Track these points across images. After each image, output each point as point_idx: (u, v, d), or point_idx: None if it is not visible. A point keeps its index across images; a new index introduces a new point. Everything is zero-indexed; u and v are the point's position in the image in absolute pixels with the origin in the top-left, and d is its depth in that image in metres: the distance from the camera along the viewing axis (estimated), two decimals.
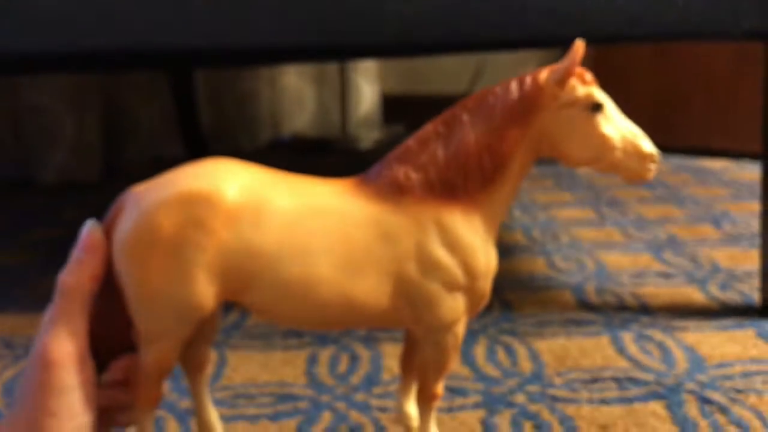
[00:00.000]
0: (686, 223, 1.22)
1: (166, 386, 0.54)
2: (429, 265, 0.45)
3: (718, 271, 0.98)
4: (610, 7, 0.72)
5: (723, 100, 1.80)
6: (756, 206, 1.31)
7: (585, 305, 0.87)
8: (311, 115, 2.23)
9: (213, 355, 0.54)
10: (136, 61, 1.09)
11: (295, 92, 2.18)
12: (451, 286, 0.46)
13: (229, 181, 0.43)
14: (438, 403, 0.50)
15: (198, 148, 1.87)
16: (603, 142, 0.44)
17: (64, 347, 0.43)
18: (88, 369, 0.45)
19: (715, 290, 0.90)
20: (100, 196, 1.55)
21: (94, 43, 0.74)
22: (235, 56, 1.03)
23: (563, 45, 0.46)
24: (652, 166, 0.45)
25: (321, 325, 0.48)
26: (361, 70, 2.08)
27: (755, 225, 1.18)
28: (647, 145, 0.44)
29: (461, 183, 0.45)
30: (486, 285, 0.47)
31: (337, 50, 1.07)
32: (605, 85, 0.46)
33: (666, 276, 0.96)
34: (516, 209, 1.36)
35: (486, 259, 0.46)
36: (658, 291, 0.91)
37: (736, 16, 0.73)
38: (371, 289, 0.45)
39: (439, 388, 0.50)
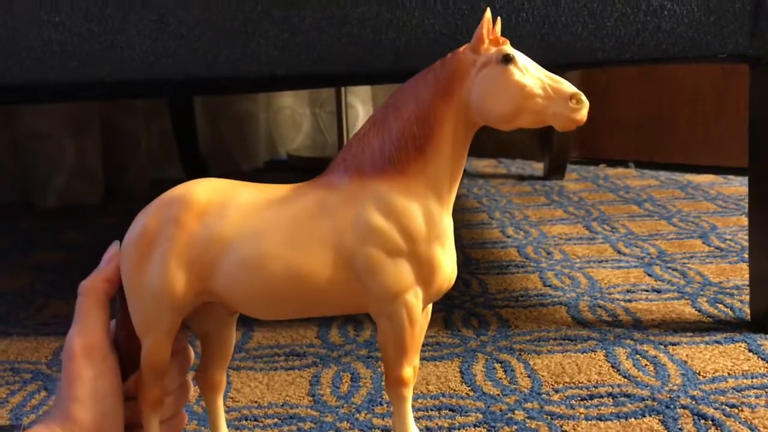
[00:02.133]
0: (675, 238, 1.25)
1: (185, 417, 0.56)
2: (366, 231, 0.47)
3: (708, 285, 1.00)
4: (599, 33, 0.75)
5: (707, 116, 1.83)
6: (742, 220, 1.33)
7: (579, 321, 0.89)
8: (307, 135, 2.25)
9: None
10: (138, 91, 1.11)
11: (291, 113, 2.20)
12: (391, 251, 0.47)
13: (202, 185, 0.49)
14: (409, 392, 0.50)
15: (197, 170, 1.89)
16: (519, 90, 0.45)
17: (85, 339, 0.50)
18: (110, 359, 0.50)
19: (705, 305, 0.93)
20: (101, 218, 1.56)
21: (99, 74, 0.76)
22: (236, 84, 1.05)
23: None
24: (579, 106, 0.45)
25: (277, 307, 0.49)
26: (354, 90, 2.11)
27: (742, 239, 1.21)
28: (569, 86, 0.45)
29: (395, 155, 0.47)
30: (431, 252, 0.48)
31: (335, 78, 1.10)
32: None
33: (657, 291, 0.99)
34: (508, 227, 1.38)
35: (427, 224, 0.47)
36: (650, 306, 0.93)
37: (722, 39, 0.76)
38: (316, 262, 0.47)
39: (405, 372, 0.49)
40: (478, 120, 0.47)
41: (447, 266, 0.49)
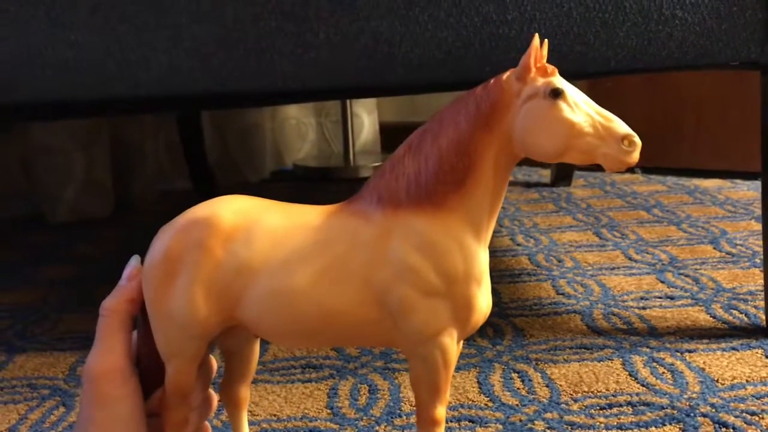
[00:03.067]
0: (686, 244, 1.25)
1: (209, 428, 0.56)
2: (401, 269, 0.44)
3: (722, 291, 1.00)
4: (611, 43, 0.75)
5: (712, 121, 1.84)
6: (752, 225, 1.34)
7: (594, 329, 0.89)
8: (313, 145, 2.26)
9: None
10: (152, 107, 1.12)
11: (297, 123, 2.21)
12: (426, 291, 0.45)
13: (226, 207, 0.47)
14: (442, 430, 0.48)
15: (204, 181, 1.89)
16: (568, 128, 0.42)
17: (105, 363, 0.48)
18: (131, 382, 0.49)
19: (720, 311, 0.93)
20: (111, 230, 1.57)
21: (114, 91, 0.76)
22: (246, 99, 1.06)
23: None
24: (632, 149, 0.42)
25: (307, 340, 0.48)
26: (360, 100, 2.12)
27: (753, 244, 1.21)
28: (622, 126, 0.43)
29: (432, 187, 0.45)
30: (468, 292, 0.45)
31: (348, 91, 1.10)
32: None
33: (670, 298, 0.99)
34: (518, 234, 1.38)
35: (464, 262, 0.45)
36: (665, 313, 0.93)
37: (734, 47, 0.76)
38: (348, 299, 0.45)
39: (438, 412, 0.47)
40: (521, 153, 0.45)
41: (483, 305, 0.47)
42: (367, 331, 0.46)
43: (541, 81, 0.43)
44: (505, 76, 0.45)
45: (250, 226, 0.46)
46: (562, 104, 0.43)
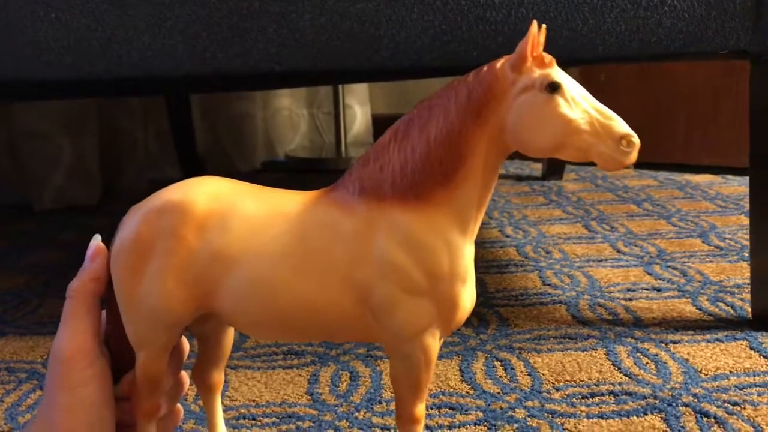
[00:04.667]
0: (675, 238, 1.24)
1: (181, 410, 0.55)
2: (384, 267, 0.43)
3: (709, 284, 0.99)
4: (600, 29, 0.74)
5: (704, 116, 1.83)
6: (741, 220, 1.33)
7: (579, 320, 0.89)
8: (304, 135, 2.25)
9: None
10: (135, 88, 1.11)
11: (289, 114, 2.20)
12: (411, 290, 0.43)
13: (200, 191, 0.45)
14: (421, 428, 0.47)
15: (194, 170, 1.88)
16: (565, 124, 0.40)
17: (71, 344, 0.46)
18: (99, 364, 0.47)
19: (706, 303, 0.92)
20: (99, 219, 1.56)
21: (95, 70, 0.75)
22: (232, 81, 1.04)
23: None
24: (630, 149, 0.40)
25: (286, 333, 0.47)
26: (352, 91, 2.11)
27: (742, 238, 1.21)
28: (621, 126, 0.40)
29: (419, 180, 0.42)
30: (453, 290, 0.44)
31: (333, 74, 1.09)
32: None
33: (657, 290, 0.98)
34: (507, 226, 1.37)
35: (450, 260, 0.43)
36: (651, 305, 0.93)
37: (723, 36, 0.75)
38: (328, 294, 0.43)
39: (418, 410, 0.46)
40: (513, 146, 0.42)
41: (467, 303, 0.45)
42: (347, 326, 0.45)
43: (537, 73, 0.41)
44: (499, 63, 0.42)
45: (225, 212, 0.44)
46: (559, 99, 0.40)
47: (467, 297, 0.45)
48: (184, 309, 0.45)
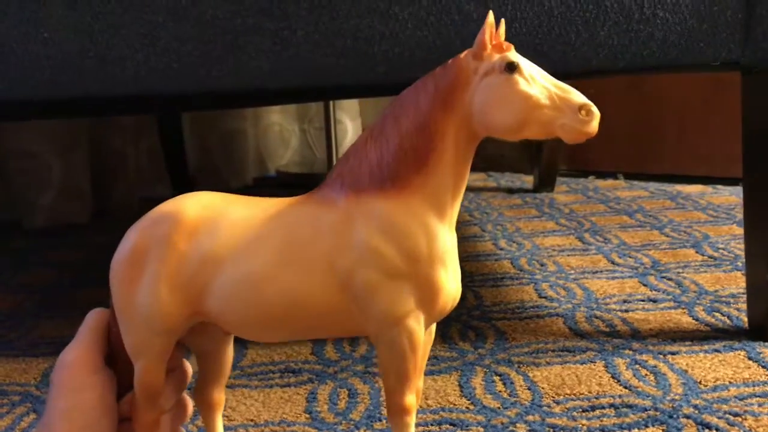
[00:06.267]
0: (668, 248, 1.25)
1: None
2: (364, 253, 0.44)
3: (704, 294, 1.00)
4: (592, 42, 0.75)
5: (695, 127, 1.84)
6: (734, 229, 1.34)
7: (577, 332, 0.89)
8: (296, 151, 2.25)
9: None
10: (128, 107, 1.10)
11: (280, 129, 2.20)
12: (390, 273, 0.44)
13: (192, 202, 0.47)
14: (412, 419, 0.47)
15: (185, 187, 1.87)
16: (525, 100, 0.43)
17: (76, 352, 0.49)
18: (100, 375, 0.49)
19: (702, 313, 0.92)
20: (90, 237, 1.54)
21: (89, 89, 0.75)
22: (225, 99, 1.04)
23: None
24: (589, 118, 0.42)
25: (274, 331, 0.48)
26: (343, 106, 2.11)
27: (735, 248, 1.21)
28: (578, 96, 0.43)
29: (394, 169, 0.45)
30: (433, 272, 0.45)
31: (327, 91, 1.09)
32: None
33: (653, 301, 0.98)
34: (501, 239, 1.37)
35: (428, 242, 0.45)
36: (647, 316, 0.93)
37: (714, 47, 0.76)
38: (312, 286, 0.45)
39: (408, 400, 0.47)
40: (482, 131, 0.45)
41: (450, 286, 0.46)
42: (333, 319, 0.46)
43: (496, 57, 0.44)
44: (462, 54, 0.45)
45: (216, 218, 0.46)
46: (517, 77, 0.43)
47: (449, 281, 0.46)
48: (178, 314, 0.46)
